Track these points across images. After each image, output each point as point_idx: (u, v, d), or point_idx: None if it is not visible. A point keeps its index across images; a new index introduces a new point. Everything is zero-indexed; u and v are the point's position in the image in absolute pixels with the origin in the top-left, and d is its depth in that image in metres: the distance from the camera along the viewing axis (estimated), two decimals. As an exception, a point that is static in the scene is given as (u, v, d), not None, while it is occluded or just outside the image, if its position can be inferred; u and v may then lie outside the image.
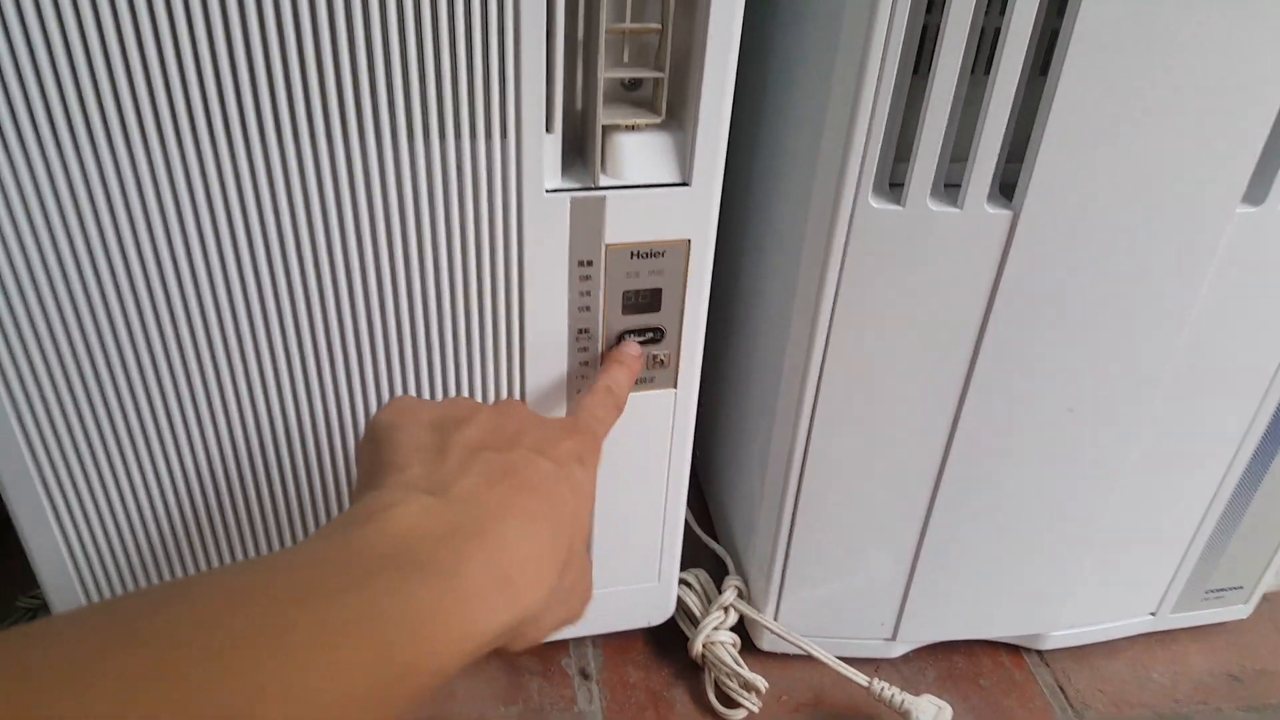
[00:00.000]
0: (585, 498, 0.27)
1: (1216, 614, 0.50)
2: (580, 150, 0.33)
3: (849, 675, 0.44)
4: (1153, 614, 0.48)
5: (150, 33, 0.26)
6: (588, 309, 0.35)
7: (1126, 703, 0.47)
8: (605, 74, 0.31)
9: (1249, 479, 0.44)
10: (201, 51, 0.27)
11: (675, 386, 0.38)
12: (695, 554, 0.49)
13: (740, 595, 0.47)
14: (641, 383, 0.37)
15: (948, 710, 0.43)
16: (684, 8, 0.31)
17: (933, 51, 0.30)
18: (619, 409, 0.33)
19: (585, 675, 0.47)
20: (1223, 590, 0.49)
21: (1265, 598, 0.51)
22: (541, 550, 0.24)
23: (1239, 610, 0.50)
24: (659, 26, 0.31)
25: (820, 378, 0.37)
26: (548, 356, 0.35)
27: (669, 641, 0.48)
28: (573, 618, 0.27)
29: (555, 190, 0.32)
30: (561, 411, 0.37)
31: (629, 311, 0.35)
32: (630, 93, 0.33)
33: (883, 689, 0.43)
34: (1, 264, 0.29)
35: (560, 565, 0.25)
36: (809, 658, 0.44)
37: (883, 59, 0.30)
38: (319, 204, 0.30)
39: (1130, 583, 0.47)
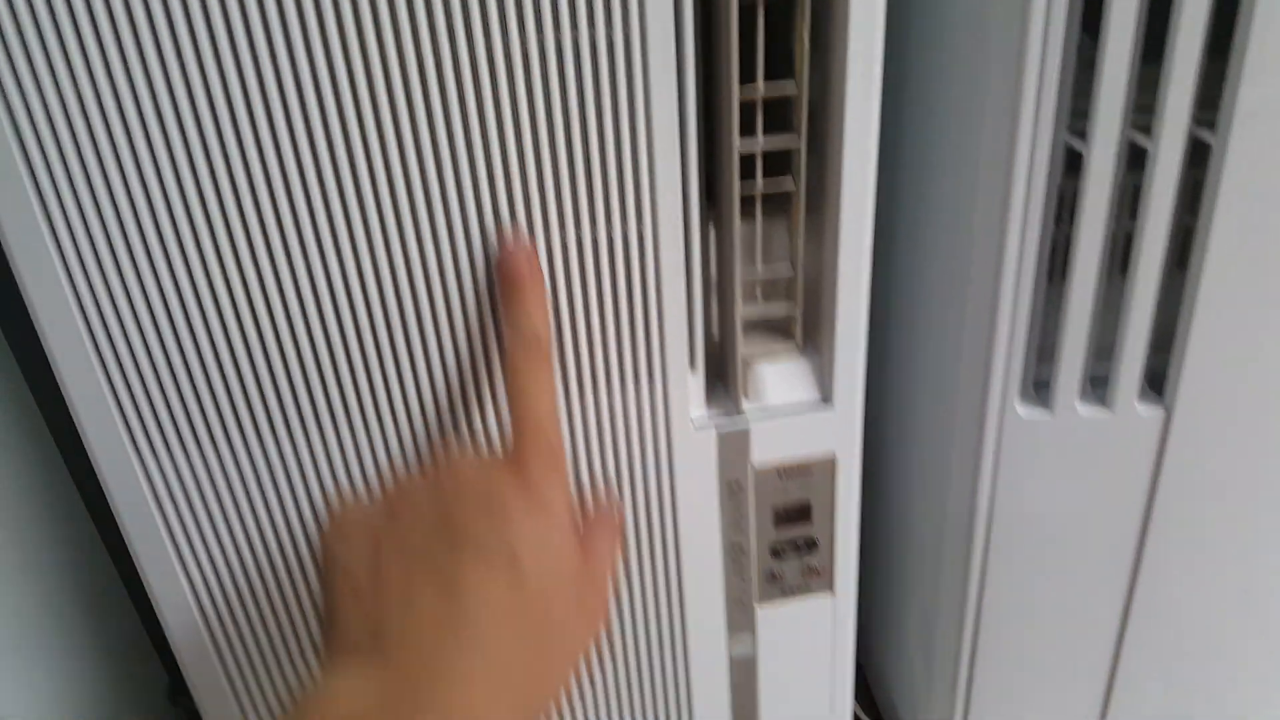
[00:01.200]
0: (552, 595, 0.24)
1: None
2: (722, 378, 0.35)
3: None
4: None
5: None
6: (739, 526, 0.36)
7: None
8: (743, 313, 0.33)
9: None
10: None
11: (833, 593, 0.38)
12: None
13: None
14: (798, 591, 0.37)
15: None
16: (813, 248, 0.32)
17: (1067, 256, 0.31)
18: (560, 448, 0.28)
19: None
20: None
21: None
22: (495, 699, 0.22)
23: None
24: (790, 273, 0.32)
25: (983, 580, 0.36)
26: (704, 574, 0.36)
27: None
28: None
29: (702, 423, 0.33)
30: (720, 629, 0.38)
31: (780, 525, 0.36)
32: (767, 321, 0.35)
33: None
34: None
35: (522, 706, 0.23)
36: None
37: (1018, 269, 0.31)
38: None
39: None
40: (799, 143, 0.30)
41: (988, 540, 0.35)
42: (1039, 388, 0.33)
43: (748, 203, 0.31)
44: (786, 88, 0.29)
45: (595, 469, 0.33)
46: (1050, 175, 0.29)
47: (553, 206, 0.29)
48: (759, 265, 0.32)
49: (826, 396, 0.34)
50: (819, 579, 0.37)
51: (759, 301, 0.34)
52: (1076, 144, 0.29)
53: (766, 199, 0.31)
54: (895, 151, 0.36)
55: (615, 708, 0.39)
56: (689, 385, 0.33)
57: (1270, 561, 0.35)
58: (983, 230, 0.32)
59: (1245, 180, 0.28)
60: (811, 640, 0.39)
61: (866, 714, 0.50)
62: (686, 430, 0.33)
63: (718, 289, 0.33)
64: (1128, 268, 0.31)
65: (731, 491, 0.35)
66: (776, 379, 0.33)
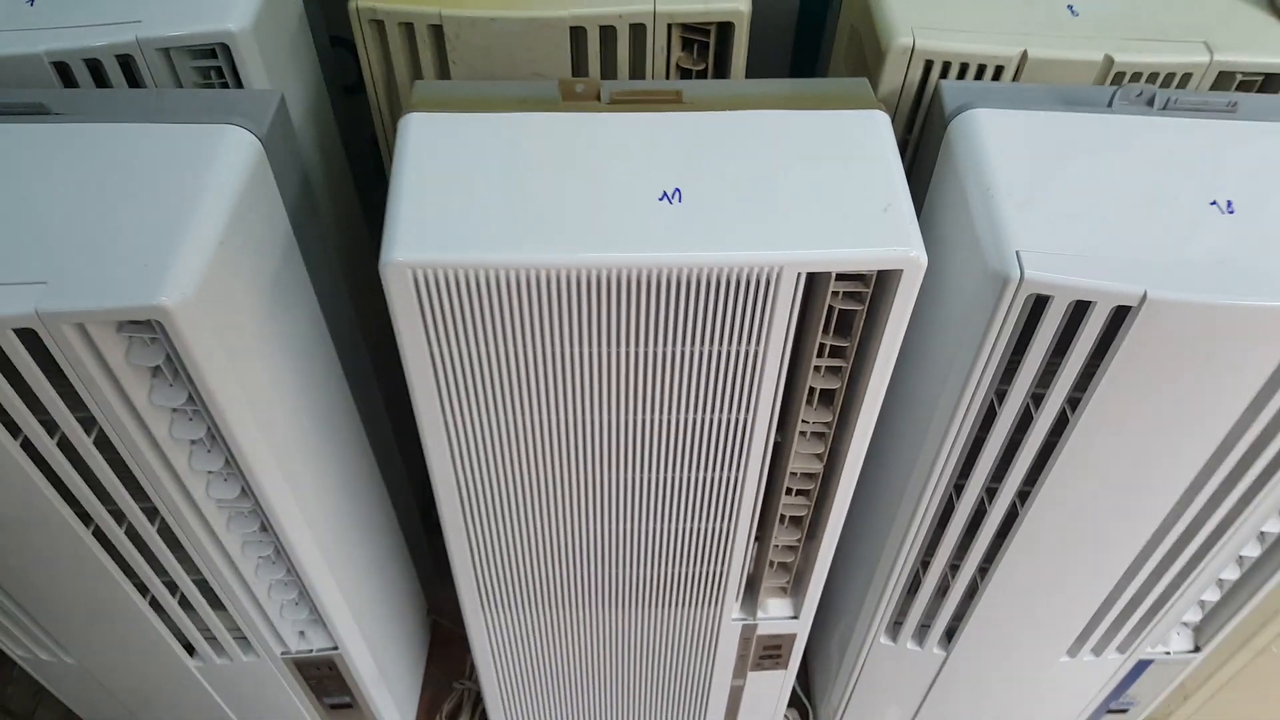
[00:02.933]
0: None
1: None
2: (752, 596, 0.73)
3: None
4: None
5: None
6: (744, 655, 0.76)
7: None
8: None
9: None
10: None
11: (785, 670, 0.79)
12: (794, 700, 0.92)
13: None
14: (766, 668, 0.79)
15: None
16: (809, 543, 0.70)
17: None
18: None
19: (726, 754, 0.92)
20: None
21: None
22: None
23: None
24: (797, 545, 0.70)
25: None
26: (724, 666, 0.77)
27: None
28: None
29: (736, 618, 0.73)
30: (728, 680, 0.80)
31: (763, 652, 0.77)
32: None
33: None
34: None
35: None
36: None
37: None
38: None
39: None
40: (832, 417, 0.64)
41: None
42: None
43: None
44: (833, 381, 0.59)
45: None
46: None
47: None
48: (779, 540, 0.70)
49: (796, 615, 0.73)
50: (778, 664, 0.79)
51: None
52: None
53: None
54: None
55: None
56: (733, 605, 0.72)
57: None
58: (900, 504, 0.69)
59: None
60: (773, 681, 0.81)
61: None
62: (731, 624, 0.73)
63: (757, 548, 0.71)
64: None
65: (745, 640, 0.75)
66: (777, 608, 0.72)
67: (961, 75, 0.59)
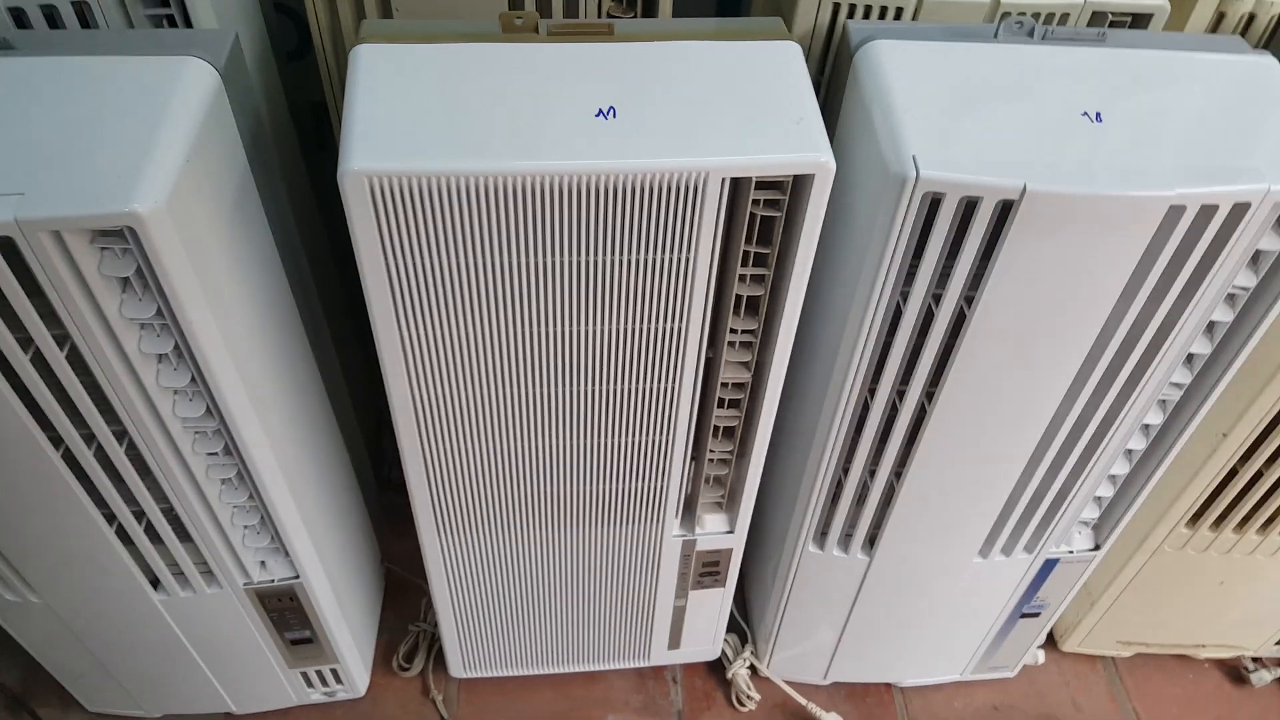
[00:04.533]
0: None
1: (995, 674, 0.97)
2: (689, 513, 0.78)
3: (797, 698, 0.93)
4: (960, 674, 0.96)
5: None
6: (686, 570, 0.81)
7: (938, 715, 0.95)
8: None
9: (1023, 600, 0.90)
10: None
11: (723, 587, 0.85)
12: (734, 625, 0.98)
13: (752, 654, 0.95)
14: (705, 586, 0.84)
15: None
16: (742, 446, 0.76)
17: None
18: None
19: (674, 680, 0.97)
20: (999, 666, 0.95)
21: (1024, 667, 0.97)
22: None
23: (1008, 672, 0.97)
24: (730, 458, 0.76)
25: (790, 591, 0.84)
26: (666, 583, 0.82)
27: (717, 666, 0.97)
28: None
29: (677, 534, 0.78)
30: (671, 598, 0.85)
31: (703, 568, 0.82)
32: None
33: (809, 705, 0.92)
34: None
35: None
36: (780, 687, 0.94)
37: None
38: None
39: (950, 658, 0.94)
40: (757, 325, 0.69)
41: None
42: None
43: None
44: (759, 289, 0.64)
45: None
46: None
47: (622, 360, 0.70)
48: (714, 452, 0.76)
49: (732, 529, 0.78)
50: (716, 581, 0.84)
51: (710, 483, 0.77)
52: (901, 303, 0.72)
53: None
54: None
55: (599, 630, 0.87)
56: (673, 521, 0.77)
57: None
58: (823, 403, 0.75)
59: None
60: (713, 600, 0.86)
61: (738, 610, 0.99)
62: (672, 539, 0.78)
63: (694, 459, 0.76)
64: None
65: (685, 556, 0.80)
66: (713, 523, 0.78)
67: (866, 17, 0.66)
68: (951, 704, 0.96)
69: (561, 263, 0.54)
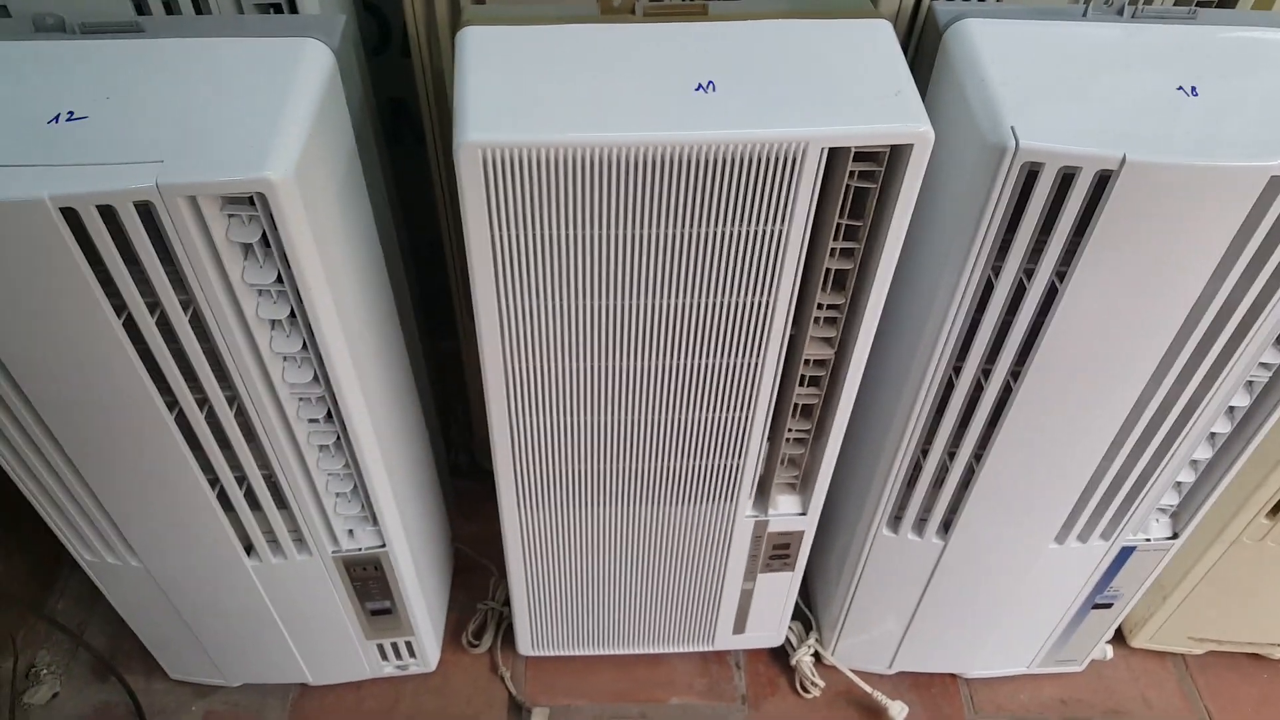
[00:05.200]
0: None
1: (1062, 668, 0.96)
2: (763, 494, 0.79)
3: (863, 685, 0.93)
4: (1026, 667, 0.95)
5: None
6: (757, 550, 0.82)
7: (1004, 707, 0.95)
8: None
9: (1082, 611, 0.89)
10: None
11: (793, 570, 0.85)
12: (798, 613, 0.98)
13: (817, 640, 0.96)
14: (775, 569, 0.85)
15: (906, 709, 0.92)
16: (819, 433, 0.76)
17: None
18: None
19: (737, 665, 0.98)
20: (1067, 660, 0.95)
21: (1092, 662, 0.97)
22: None
23: (1075, 666, 0.96)
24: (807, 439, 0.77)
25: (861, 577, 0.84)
26: (737, 560, 0.83)
27: (780, 654, 0.98)
28: None
29: (749, 515, 0.79)
30: (740, 579, 0.86)
31: (774, 550, 0.83)
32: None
33: (874, 693, 0.93)
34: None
35: None
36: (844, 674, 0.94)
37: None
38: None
39: (1019, 650, 0.94)
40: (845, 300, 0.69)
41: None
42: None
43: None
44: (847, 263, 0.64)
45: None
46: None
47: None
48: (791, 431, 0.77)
49: (804, 511, 0.79)
50: (786, 565, 0.85)
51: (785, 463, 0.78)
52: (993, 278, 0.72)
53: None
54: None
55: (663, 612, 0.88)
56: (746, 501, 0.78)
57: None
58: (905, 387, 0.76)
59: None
60: (781, 584, 0.87)
61: (802, 599, 1.00)
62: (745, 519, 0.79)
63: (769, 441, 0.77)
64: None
65: (756, 538, 0.81)
66: (786, 504, 0.79)
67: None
68: (1018, 696, 0.96)
69: (659, 234, 0.56)
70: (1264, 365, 0.65)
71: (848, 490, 0.84)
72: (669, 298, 0.60)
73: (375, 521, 0.76)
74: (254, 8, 0.65)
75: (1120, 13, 0.60)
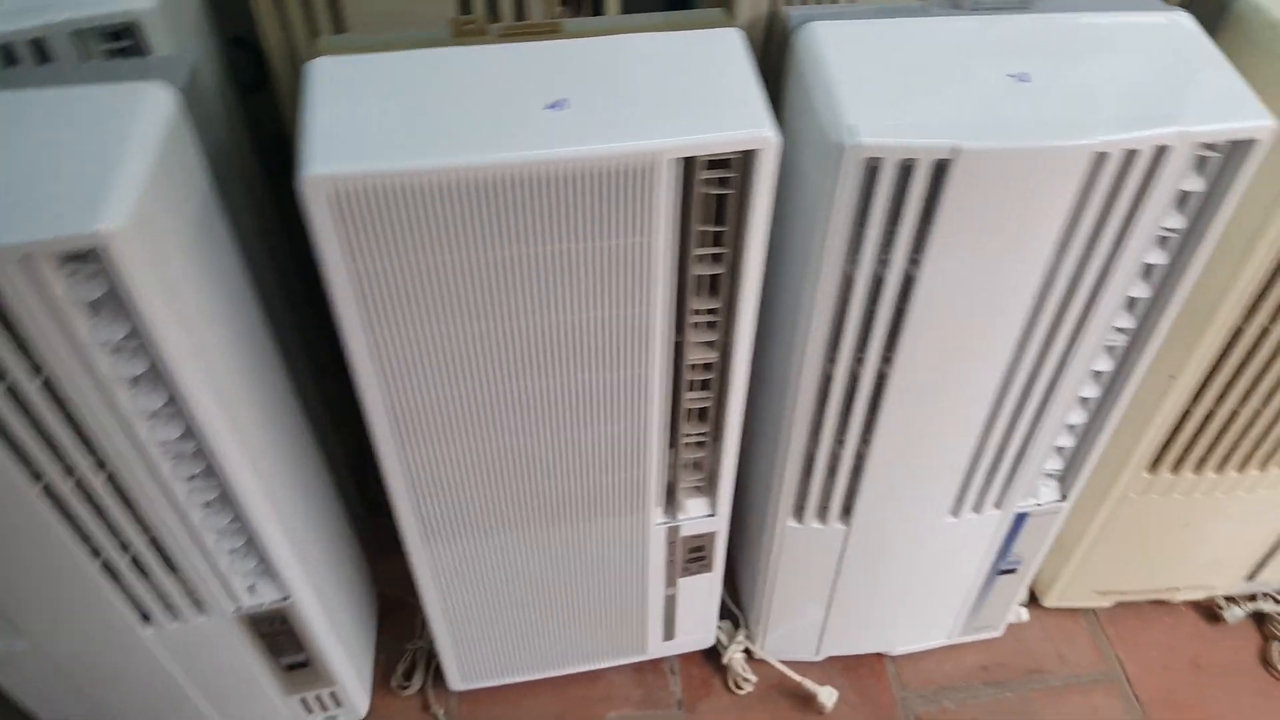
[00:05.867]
0: None
1: (982, 635, 0.99)
2: (671, 501, 0.80)
3: (792, 675, 0.94)
4: (948, 638, 0.98)
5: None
6: (672, 558, 0.83)
7: (930, 680, 0.97)
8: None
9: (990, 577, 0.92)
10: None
11: (710, 571, 0.86)
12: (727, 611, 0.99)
13: (746, 636, 0.97)
14: (694, 572, 0.85)
15: (835, 694, 0.93)
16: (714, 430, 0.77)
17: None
18: None
19: (672, 671, 0.98)
20: (985, 627, 0.98)
21: (1010, 625, 1.00)
22: None
23: (994, 632, 0.99)
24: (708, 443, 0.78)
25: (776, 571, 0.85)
26: (655, 570, 0.84)
27: (714, 654, 0.98)
28: None
29: (660, 521, 0.79)
30: (661, 583, 0.86)
31: (689, 554, 0.83)
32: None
33: (804, 681, 0.94)
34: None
35: None
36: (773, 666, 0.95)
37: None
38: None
39: (937, 622, 0.96)
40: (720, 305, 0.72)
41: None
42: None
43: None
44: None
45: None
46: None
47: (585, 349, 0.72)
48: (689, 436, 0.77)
49: (714, 512, 0.80)
50: (704, 566, 0.85)
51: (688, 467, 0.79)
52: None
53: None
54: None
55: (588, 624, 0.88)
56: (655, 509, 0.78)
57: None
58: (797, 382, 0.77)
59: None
60: (703, 586, 0.88)
61: (729, 595, 1.01)
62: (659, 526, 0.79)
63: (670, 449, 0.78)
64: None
65: (670, 543, 0.82)
66: (695, 507, 0.79)
67: (804, 2, 0.68)
68: (942, 667, 0.98)
69: (524, 254, 0.56)
70: (1120, 330, 0.68)
71: (753, 485, 0.85)
72: (545, 316, 0.60)
73: (275, 574, 0.74)
74: (101, 55, 0.63)
75: (958, 6, 0.63)
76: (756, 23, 0.68)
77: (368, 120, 0.52)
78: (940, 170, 0.54)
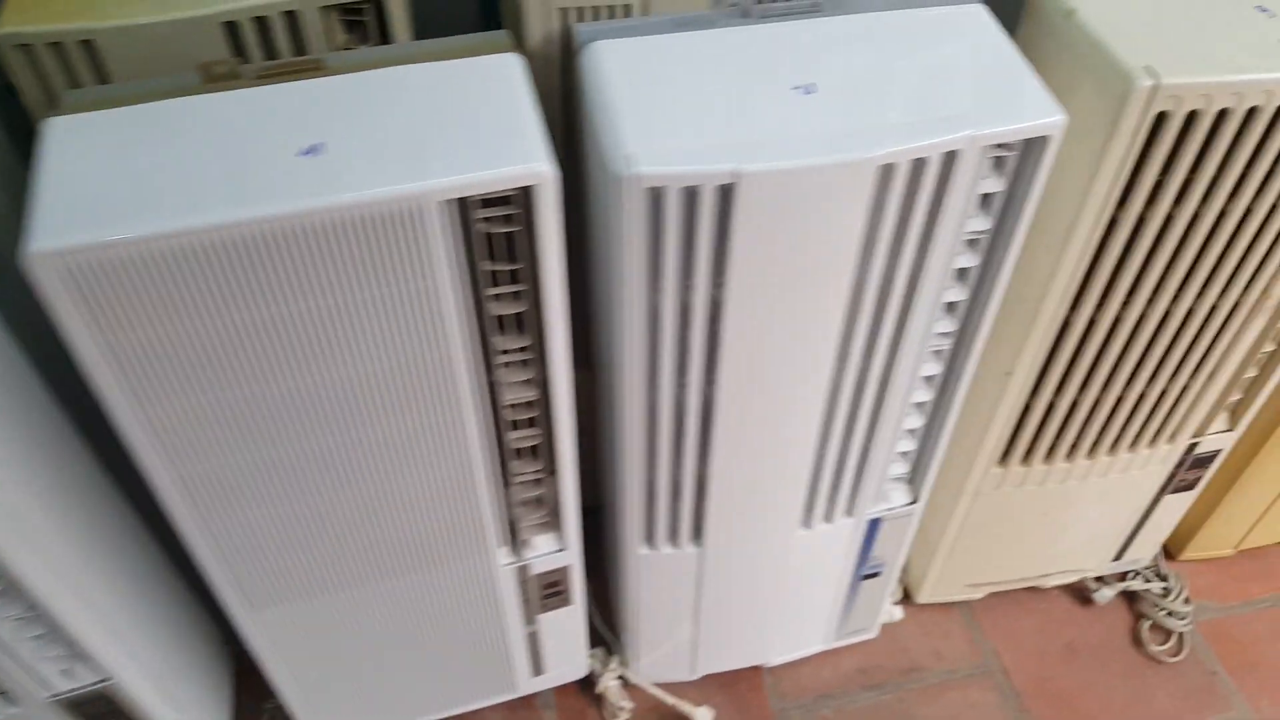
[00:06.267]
0: None
1: (857, 637, 0.99)
2: (514, 540, 0.77)
3: (666, 699, 0.93)
4: (823, 644, 0.98)
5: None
6: (529, 597, 0.80)
7: (807, 688, 0.97)
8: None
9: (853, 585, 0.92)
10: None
11: (569, 604, 0.84)
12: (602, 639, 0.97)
13: (619, 663, 0.95)
14: (551, 608, 0.83)
15: (712, 713, 0.92)
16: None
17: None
18: None
19: (547, 706, 0.95)
20: (859, 629, 0.97)
21: (884, 626, 1.00)
22: None
23: (869, 634, 0.99)
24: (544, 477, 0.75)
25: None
26: (511, 608, 0.81)
27: (590, 683, 0.96)
28: None
29: (508, 561, 0.76)
30: (520, 621, 0.83)
31: (546, 589, 0.80)
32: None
33: (679, 703, 0.92)
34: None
35: None
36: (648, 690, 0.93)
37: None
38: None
39: (810, 630, 0.95)
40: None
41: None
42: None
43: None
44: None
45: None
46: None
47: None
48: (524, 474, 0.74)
49: (564, 547, 0.77)
50: (562, 601, 0.83)
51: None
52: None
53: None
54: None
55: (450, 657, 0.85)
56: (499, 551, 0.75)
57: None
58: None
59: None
60: (566, 619, 0.85)
61: (602, 620, 0.99)
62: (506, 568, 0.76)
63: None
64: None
65: (522, 583, 0.79)
66: (543, 544, 0.77)
67: (596, 18, 0.66)
68: (820, 674, 0.98)
69: (293, 311, 0.52)
70: (944, 334, 0.67)
71: (609, 513, 0.83)
72: (332, 369, 0.56)
73: (89, 657, 0.68)
74: None
75: (746, 14, 0.61)
76: (550, 43, 0.66)
77: (102, 184, 0.48)
78: (727, 194, 0.52)
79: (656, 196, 0.52)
